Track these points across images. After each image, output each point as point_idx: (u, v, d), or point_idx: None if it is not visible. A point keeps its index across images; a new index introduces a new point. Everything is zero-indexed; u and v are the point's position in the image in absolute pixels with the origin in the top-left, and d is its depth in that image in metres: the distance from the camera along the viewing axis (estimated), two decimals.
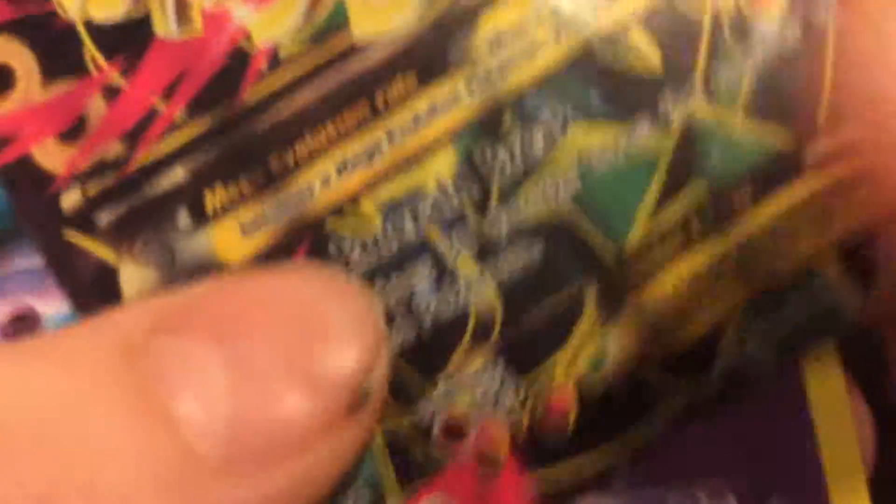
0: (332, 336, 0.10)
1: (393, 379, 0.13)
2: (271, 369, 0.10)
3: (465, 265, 0.13)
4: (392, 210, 0.13)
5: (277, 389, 0.10)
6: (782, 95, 0.14)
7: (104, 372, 0.10)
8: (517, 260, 0.13)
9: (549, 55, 0.13)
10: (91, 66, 0.13)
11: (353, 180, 0.13)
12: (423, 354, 0.13)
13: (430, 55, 0.13)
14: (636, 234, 0.13)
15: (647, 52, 0.14)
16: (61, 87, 0.13)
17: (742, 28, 0.14)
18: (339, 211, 0.13)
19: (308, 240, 0.13)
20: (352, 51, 0.13)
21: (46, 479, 0.09)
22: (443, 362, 0.13)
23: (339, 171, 0.13)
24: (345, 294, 0.11)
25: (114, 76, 0.13)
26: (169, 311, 0.11)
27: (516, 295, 0.13)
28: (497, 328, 0.13)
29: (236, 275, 0.12)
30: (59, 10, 0.13)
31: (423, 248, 0.13)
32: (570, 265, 0.13)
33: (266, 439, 0.10)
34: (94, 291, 0.12)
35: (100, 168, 0.13)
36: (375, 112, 0.13)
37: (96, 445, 0.09)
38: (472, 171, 0.13)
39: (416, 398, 0.13)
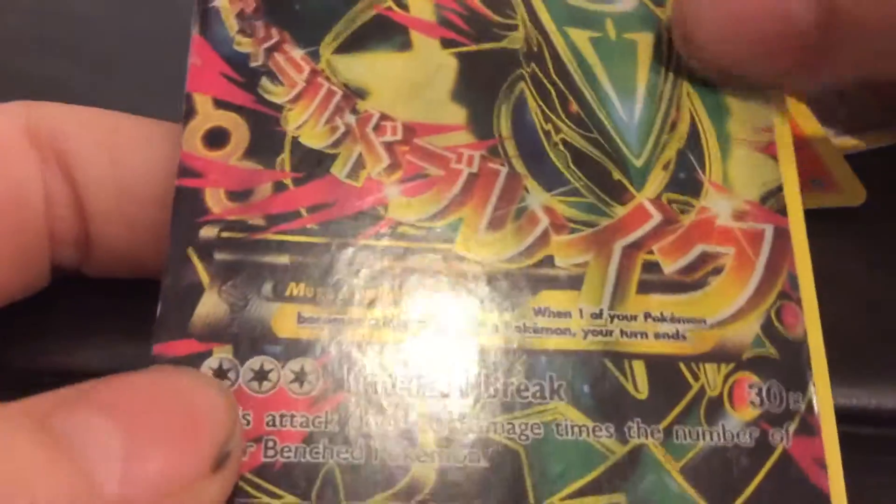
0: (200, 414, 0.14)
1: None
2: (155, 437, 0.14)
3: (426, 439, 0.16)
4: (403, 371, 0.17)
5: (160, 450, 0.14)
6: (713, 477, 0.17)
7: (14, 434, 0.13)
8: (464, 461, 0.16)
9: (571, 343, 0.17)
10: (278, 165, 0.18)
11: (390, 335, 0.17)
12: (355, 478, 0.16)
13: (493, 291, 0.17)
14: (555, 499, 0.16)
15: (640, 383, 0.17)
16: (251, 165, 0.18)
17: (715, 410, 0.17)
18: (367, 348, 0.17)
19: (334, 352, 0.16)
20: (447, 254, 0.17)
21: None
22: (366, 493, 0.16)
23: (384, 324, 0.17)
24: (210, 385, 0.15)
25: (288, 179, 0.18)
26: (68, 395, 0.14)
27: (449, 483, 0.16)
28: (420, 497, 0.16)
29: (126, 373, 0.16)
30: (282, 122, 0.18)
31: (406, 409, 0.16)
32: (502, 488, 0.16)
33: (153, 484, 0.13)
34: (181, 296, 0.16)
35: (239, 225, 0.17)
36: (435, 301, 0.17)
37: (9, 488, 0.12)
38: (475, 381, 0.17)
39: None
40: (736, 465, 0.17)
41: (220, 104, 0.18)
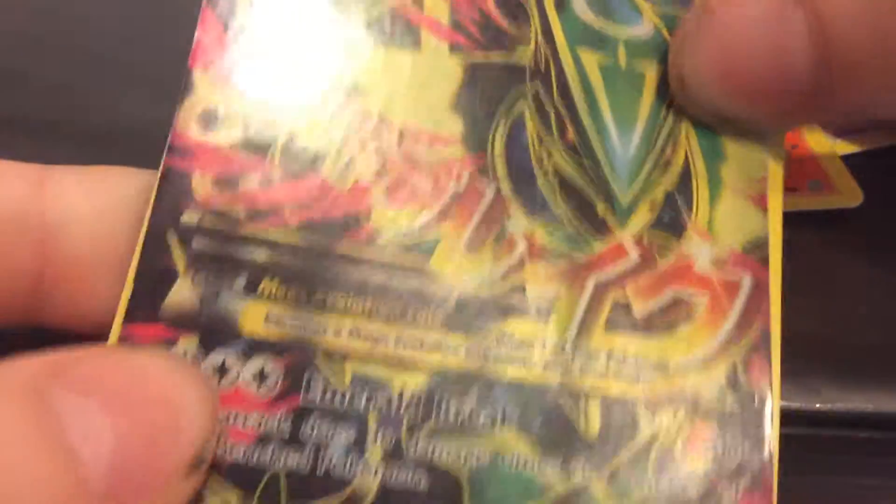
0: (185, 416, 0.14)
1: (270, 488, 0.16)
2: (142, 432, 0.14)
3: (373, 453, 0.17)
4: (361, 383, 0.17)
5: (145, 447, 0.14)
6: None
7: (13, 408, 0.13)
8: (406, 480, 0.17)
9: (530, 374, 0.18)
10: (269, 157, 0.18)
11: (354, 346, 0.17)
12: (299, 484, 0.16)
13: (460, 313, 0.18)
14: None
15: (593, 421, 0.18)
16: (242, 154, 0.18)
17: (665, 458, 0.18)
18: (330, 356, 0.17)
19: (297, 356, 0.17)
20: (421, 271, 0.18)
21: None
22: (308, 501, 0.16)
23: (350, 334, 0.17)
24: (201, 382, 0.15)
25: (276, 173, 0.18)
26: (67, 365, 0.14)
27: (389, 500, 0.16)
28: None
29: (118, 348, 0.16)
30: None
31: (359, 421, 0.17)
32: None
33: (134, 483, 0.13)
34: (155, 279, 0.16)
35: (221, 215, 0.17)
36: (402, 317, 0.17)
37: (3, 473, 0.12)
38: (428, 401, 0.17)
39: None
40: None
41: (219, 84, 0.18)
